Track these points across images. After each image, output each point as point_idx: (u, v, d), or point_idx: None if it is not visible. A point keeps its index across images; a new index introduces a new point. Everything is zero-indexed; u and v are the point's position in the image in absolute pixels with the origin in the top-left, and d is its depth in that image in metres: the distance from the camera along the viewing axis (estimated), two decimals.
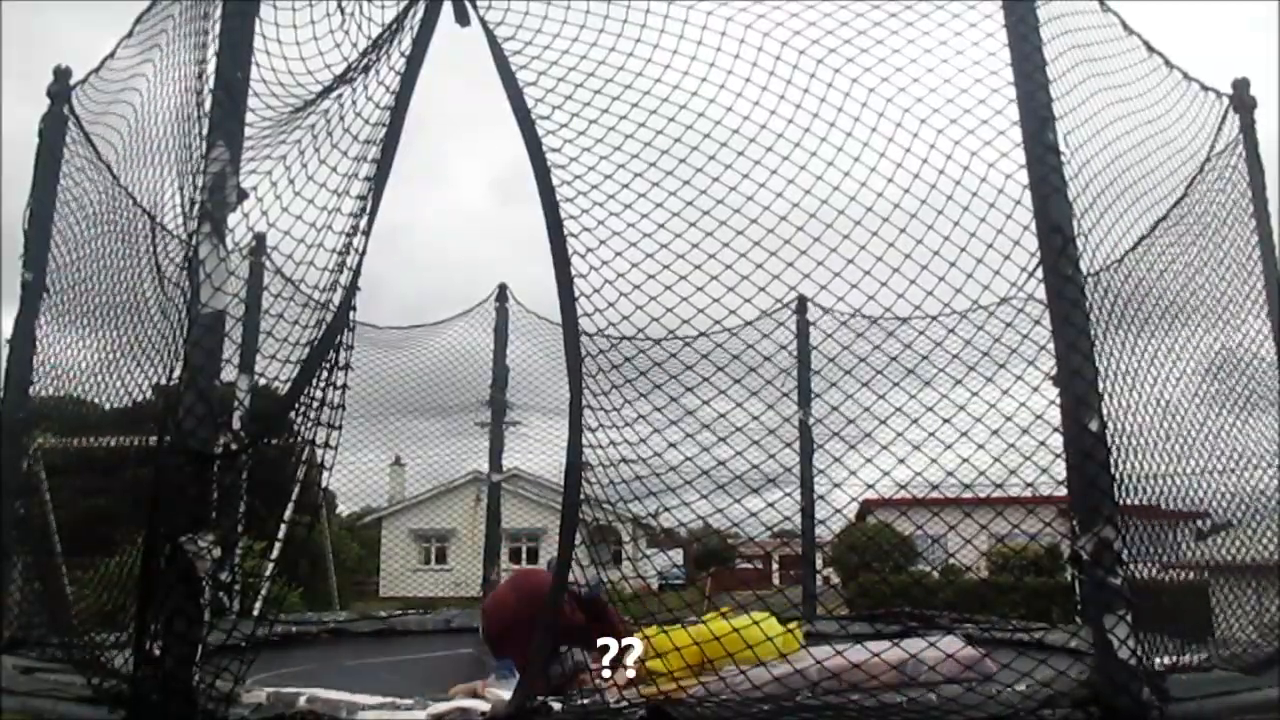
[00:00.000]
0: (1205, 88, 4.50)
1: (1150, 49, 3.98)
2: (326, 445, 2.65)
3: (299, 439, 2.73)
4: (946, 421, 3.09)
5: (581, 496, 2.86)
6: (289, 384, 2.66)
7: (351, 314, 2.72)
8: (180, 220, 3.15)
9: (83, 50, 4.37)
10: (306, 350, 2.72)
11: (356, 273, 2.72)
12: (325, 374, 2.66)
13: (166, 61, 3.60)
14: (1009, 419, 2.95)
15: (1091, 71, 3.33)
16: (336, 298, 2.75)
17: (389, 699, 2.66)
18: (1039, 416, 2.78)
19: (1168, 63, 4.13)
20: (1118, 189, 3.33)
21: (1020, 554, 15.82)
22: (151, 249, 3.63)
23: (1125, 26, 3.75)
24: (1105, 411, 2.58)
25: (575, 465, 2.88)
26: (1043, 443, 2.74)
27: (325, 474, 2.67)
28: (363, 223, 2.75)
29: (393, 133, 2.78)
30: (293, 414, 2.67)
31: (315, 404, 2.64)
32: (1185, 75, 4.31)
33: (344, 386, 2.67)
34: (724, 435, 3.12)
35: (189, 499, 2.35)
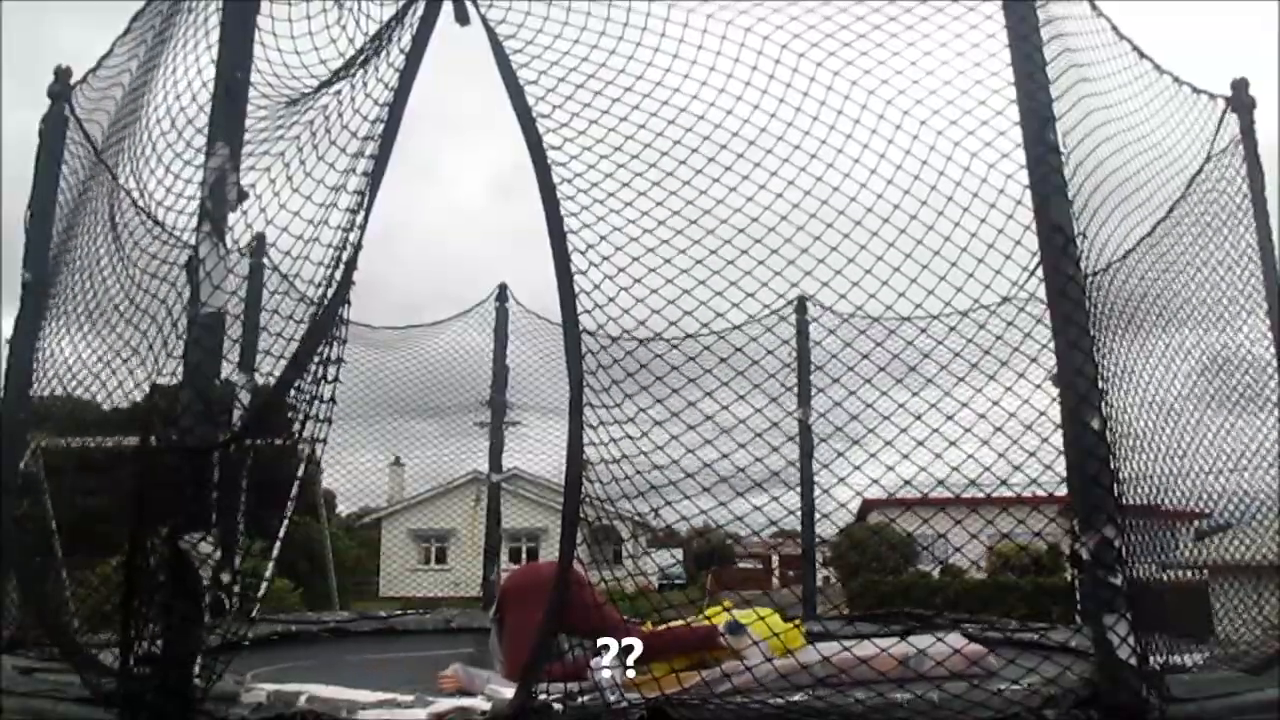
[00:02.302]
0: (1197, 90, 4.51)
1: (1141, 54, 3.99)
2: (316, 439, 2.64)
3: (289, 434, 2.73)
4: (950, 419, 3.09)
5: (582, 496, 2.86)
6: (277, 378, 2.66)
7: (344, 309, 2.72)
8: (155, 215, 3.17)
9: (83, 53, 4.37)
10: (297, 345, 2.71)
11: (350, 268, 2.72)
12: (316, 369, 2.65)
13: (151, 56, 3.61)
14: (1011, 415, 2.95)
15: (1085, 75, 3.34)
16: (330, 293, 2.74)
17: (389, 696, 2.66)
18: (1042, 413, 2.79)
19: (1157, 67, 4.14)
20: (1108, 189, 3.33)
21: (1022, 550, 15.85)
22: (113, 241, 3.64)
23: (1116, 31, 3.76)
24: (1105, 411, 2.58)
25: (576, 464, 2.88)
26: (1045, 440, 2.75)
27: (312, 467, 2.67)
28: (359, 218, 2.75)
29: (390, 130, 2.78)
30: (283, 409, 2.67)
31: (305, 399, 2.64)
32: (1175, 79, 4.32)
33: (335, 380, 2.65)
34: (723, 434, 3.12)
35: (178, 495, 2.35)
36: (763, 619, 3.95)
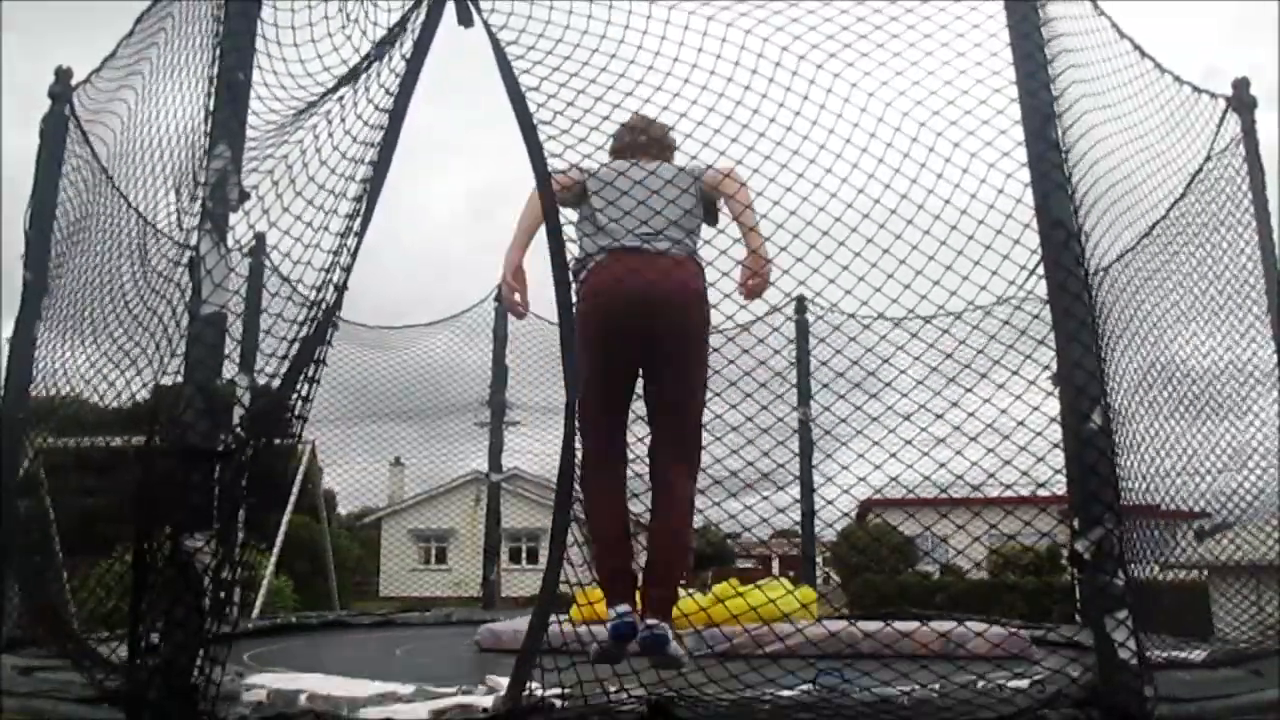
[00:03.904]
0: (1198, 90, 4.51)
1: (1143, 53, 3.99)
2: (299, 439, 2.64)
3: (289, 436, 2.73)
4: (939, 417, 3.10)
5: (574, 497, 2.85)
6: (280, 383, 2.65)
7: (337, 314, 2.72)
8: (175, 220, 3.16)
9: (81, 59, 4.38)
10: (293, 349, 2.71)
11: (347, 273, 2.72)
12: (308, 372, 2.65)
13: (163, 60, 3.60)
14: (1004, 412, 2.96)
15: (1085, 75, 3.34)
16: (329, 296, 2.74)
17: (389, 690, 2.66)
18: (1035, 408, 2.79)
19: (1159, 66, 4.14)
20: (1105, 184, 3.34)
21: (1016, 549, 15.84)
22: (141, 247, 3.64)
23: (1117, 30, 3.76)
24: (1105, 406, 2.58)
25: (569, 464, 2.88)
26: (1039, 433, 2.75)
27: (313, 468, 2.67)
28: (356, 224, 2.75)
29: (390, 136, 2.78)
30: (284, 411, 2.67)
31: (297, 401, 2.64)
32: (1177, 78, 4.32)
33: (317, 381, 2.65)
34: (723, 435, 3.12)
35: (183, 495, 2.35)
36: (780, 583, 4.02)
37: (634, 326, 2.64)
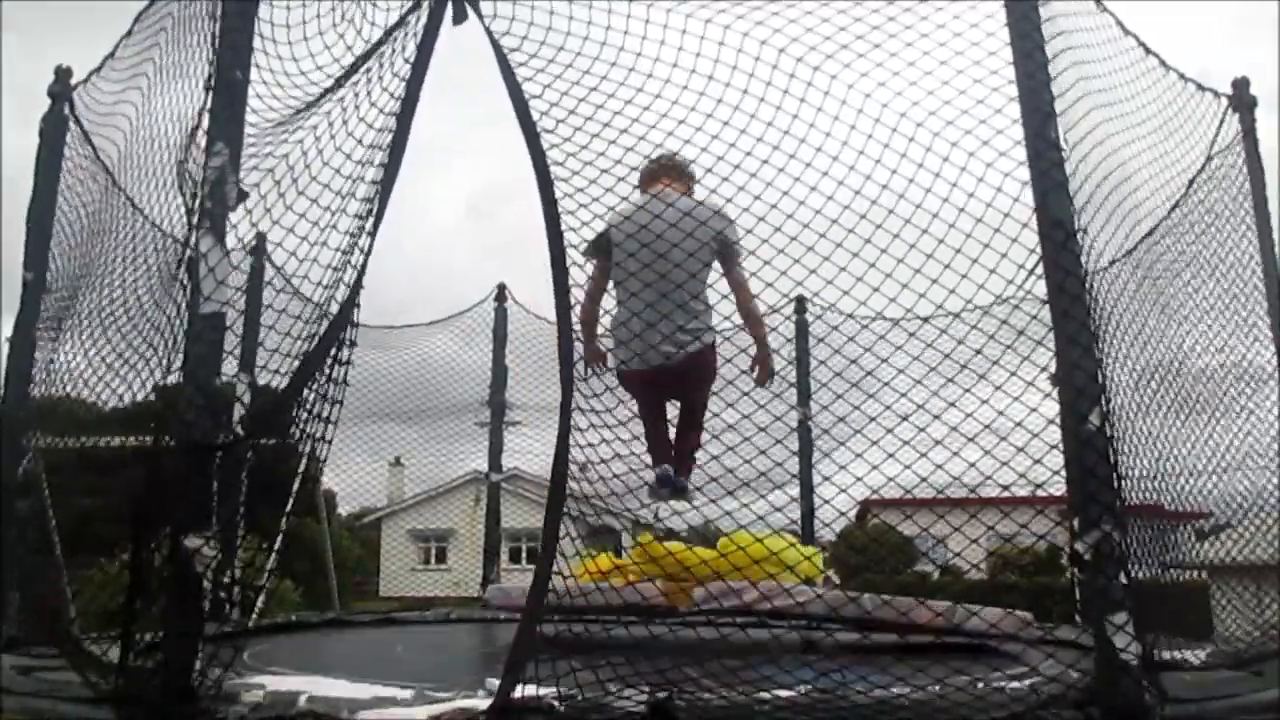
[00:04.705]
0: (1202, 88, 4.50)
1: (1147, 50, 3.98)
2: (322, 440, 2.65)
3: (294, 436, 2.73)
4: (935, 418, 3.10)
5: (567, 493, 2.86)
6: (287, 380, 2.66)
7: (355, 313, 2.72)
8: (180, 221, 3.16)
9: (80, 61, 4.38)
10: (307, 348, 2.71)
11: (361, 273, 2.72)
12: (326, 373, 2.65)
13: (166, 60, 3.60)
14: (1002, 413, 2.96)
15: (1087, 72, 3.34)
16: (339, 295, 2.74)
17: (387, 694, 2.66)
18: (1033, 409, 2.79)
19: (1163, 63, 4.13)
20: (1110, 186, 3.33)
21: (1015, 551, 15.84)
22: (148, 248, 3.64)
23: (1121, 27, 3.75)
24: (1105, 408, 2.58)
25: (562, 461, 2.88)
26: (1036, 434, 2.75)
27: (320, 470, 2.68)
28: (368, 224, 2.75)
29: (400, 136, 2.77)
30: (292, 411, 2.67)
31: (313, 402, 2.64)
32: (1181, 76, 4.31)
33: (344, 383, 2.66)
34: (722, 434, 3.13)
35: (184, 494, 2.35)
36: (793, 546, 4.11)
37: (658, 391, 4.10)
